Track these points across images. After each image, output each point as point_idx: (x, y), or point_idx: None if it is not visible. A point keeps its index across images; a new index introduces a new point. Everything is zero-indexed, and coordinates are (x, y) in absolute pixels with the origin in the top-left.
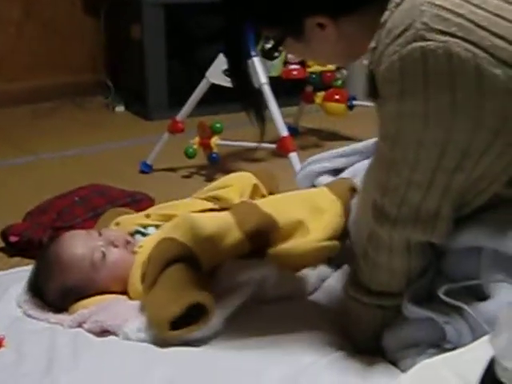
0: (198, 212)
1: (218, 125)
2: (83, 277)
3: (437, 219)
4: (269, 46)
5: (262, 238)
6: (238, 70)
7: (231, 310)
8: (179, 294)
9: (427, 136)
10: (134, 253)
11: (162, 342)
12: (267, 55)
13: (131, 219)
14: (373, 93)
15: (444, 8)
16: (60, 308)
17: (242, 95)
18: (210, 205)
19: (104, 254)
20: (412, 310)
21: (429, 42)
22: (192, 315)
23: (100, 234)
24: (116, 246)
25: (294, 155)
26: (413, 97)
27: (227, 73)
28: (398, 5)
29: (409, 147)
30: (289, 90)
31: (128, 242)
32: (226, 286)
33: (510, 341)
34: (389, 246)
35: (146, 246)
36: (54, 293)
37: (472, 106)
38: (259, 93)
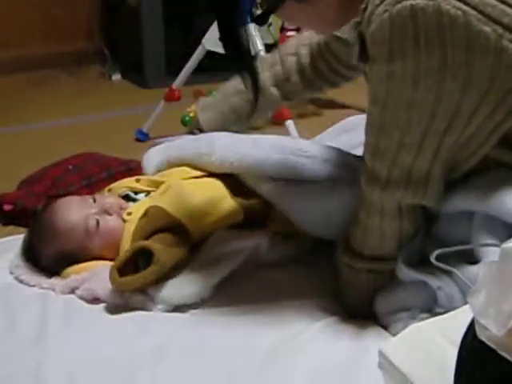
0: (187, 179)
1: (214, 93)
2: (77, 243)
3: (428, 181)
4: (259, 11)
5: (256, 208)
6: (231, 36)
7: (219, 277)
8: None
9: (417, 97)
10: (124, 220)
11: (149, 309)
12: (260, 19)
13: (122, 183)
14: (363, 55)
15: None
16: (52, 272)
17: (235, 62)
18: (198, 172)
19: (98, 222)
20: (405, 272)
21: (418, 1)
22: None
23: (94, 201)
24: (110, 214)
25: (290, 123)
26: (402, 56)
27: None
28: None
29: (399, 109)
30: None
31: (122, 209)
32: (216, 254)
33: (487, 298)
34: (380, 209)
35: (134, 213)
36: (48, 257)
37: (462, 64)
38: (254, 59)
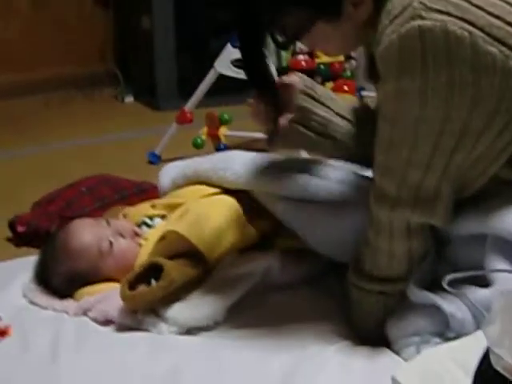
0: (204, 197)
1: (226, 116)
2: (90, 264)
3: (436, 200)
4: (279, 35)
5: (268, 228)
6: (254, 59)
7: (233, 300)
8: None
9: (426, 114)
10: (140, 245)
11: (162, 331)
12: (286, 45)
13: (137, 210)
14: (373, 75)
15: None
16: (65, 294)
17: (257, 85)
18: (214, 189)
19: (111, 244)
20: (417, 294)
21: (426, 21)
22: None
23: (108, 224)
24: (123, 237)
25: None
26: (411, 74)
27: (236, 63)
28: None
29: (408, 126)
30: None
31: (136, 234)
32: (229, 276)
33: (502, 329)
34: (389, 228)
35: (151, 238)
36: (60, 278)
37: (469, 84)
38: (273, 83)
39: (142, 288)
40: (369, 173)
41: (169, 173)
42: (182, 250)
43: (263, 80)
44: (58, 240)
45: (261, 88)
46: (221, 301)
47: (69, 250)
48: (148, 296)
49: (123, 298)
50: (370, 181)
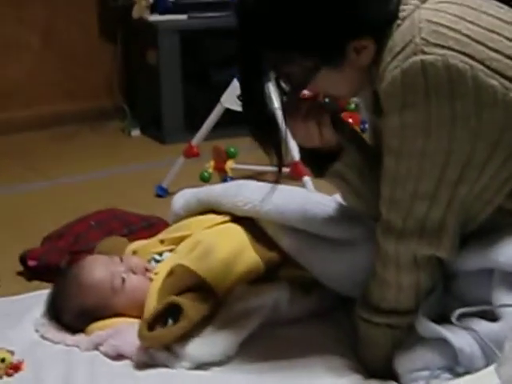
0: (212, 227)
1: (232, 149)
2: (102, 300)
3: (442, 232)
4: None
5: (276, 260)
6: (255, 95)
7: (245, 334)
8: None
9: (429, 147)
10: (151, 280)
11: (174, 366)
12: (294, 94)
13: (146, 246)
14: (377, 110)
15: (441, 24)
16: (76, 329)
17: (255, 121)
18: (221, 218)
19: (124, 280)
20: (426, 327)
21: (428, 56)
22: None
23: (121, 260)
24: (135, 273)
25: (307, 179)
26: (414, 108)
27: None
28: (398, 26)
29: (412, 158)
30: None
31: (147, 270)
32: (238, 311)
33: None
34: (395, 260)
35: (161, 272)
36: (72, 313)
37: (471, 115)
38: (274, 118)
39: (161, 330)
40: None
41: (180, 200)
42: (190, 283)
43: (262, 120)
44: (71, 275)
45: (258, 127)
46: (234, 336)
47: (81, 286)
48: (167, 337)
49: (142, 338)
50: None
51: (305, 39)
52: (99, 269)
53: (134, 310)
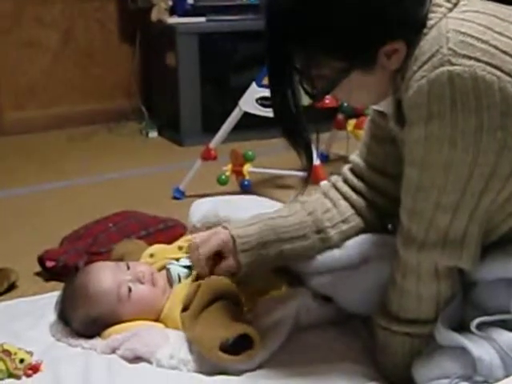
0: None
1: (250, 153)
2: (108, 309)
3: (464, 243)
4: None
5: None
6: (284, 97)
7: (275, 348)
8: (230, 323)
9: (455, 158)
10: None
11: (193, 369)
12: (319, 96)
13: (164, 252)
14: (399, 120)
15: (469, 35)
16: (88, 336)
17: (285, 122)
18: None
19: (130, 290)
20: (445, 335)
21: (455, 67)
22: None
23: (128, 268)
24: (142, 283)
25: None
26: (440, 120)
27: (261, 102)
28: (425, 34)
29: (437, 169)
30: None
31: (155, 279)
32: (265, 325)
33: None
34: (416, 271)
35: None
36: (78, 322)
37: (497, 127)
38: (301, 119)
39: (233, 357)
40: None
41: (199, 209)
42: (223, 294)
43: (292, 121)
44: (78, 283)
45: (289, 129)
46: (266, 350)
47: (87, 295)
48: (236, 361)
49: (214, 358)
50: (385, 232)
51: (338, 40)
52: (105, 278)
53: (140, 317)
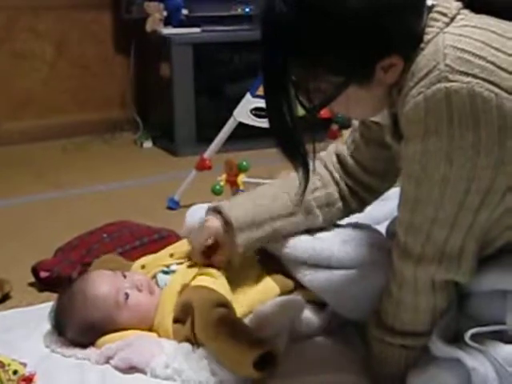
0: None
1: (244, 163)
2: (105, 315)
3: (461, 257)
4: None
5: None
6: (279, 110)
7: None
8: (258, 339)
9: (451, 174)
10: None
11: (188, 379)
12: (316, 110)
13: (155, 260)
14: (396, 135)
15: (466, 51)
16: (82, 345)
17: (280, 135)
18: None
19: (127, 296)
20: (440, 347)
21: (452, 83)
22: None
23: (125, 277)
24: (140, 290)
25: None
26: (437, 136)
27: (255, 112)
28: (422, 49)
29: (434, 185)
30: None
31: (152, 287)
32: (266, 333)
33: None
34: (413, 284)
35: (173, 285)
36: (76, 328)
37: (494, 143)
38: (297, 132)
39: (262, 373)
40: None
41: (195, 215)
42: (217, 303)
43: (288, 134)
44: (75, 290)
45: (284, 142)
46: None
47: (85, 300)
48: (262, 377)
49: (245, 374)
50: (382, 236)
51: (336, 54)
52: (103, 284)
53: (137, 325)
